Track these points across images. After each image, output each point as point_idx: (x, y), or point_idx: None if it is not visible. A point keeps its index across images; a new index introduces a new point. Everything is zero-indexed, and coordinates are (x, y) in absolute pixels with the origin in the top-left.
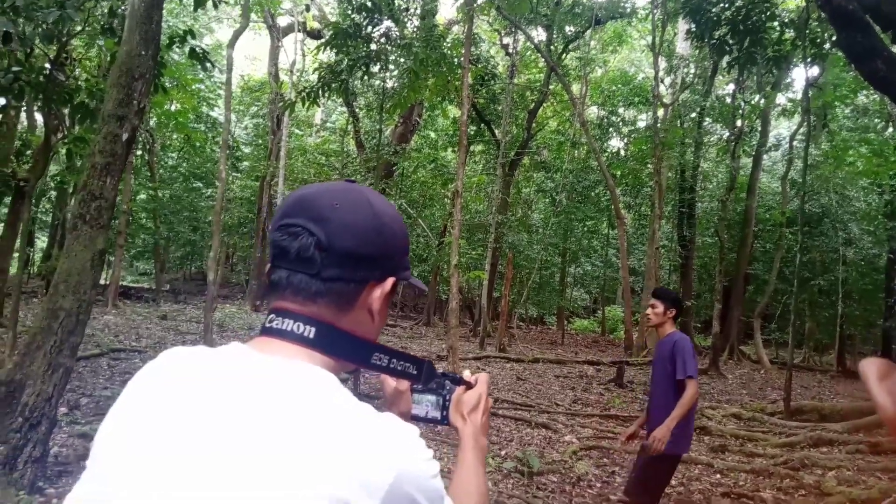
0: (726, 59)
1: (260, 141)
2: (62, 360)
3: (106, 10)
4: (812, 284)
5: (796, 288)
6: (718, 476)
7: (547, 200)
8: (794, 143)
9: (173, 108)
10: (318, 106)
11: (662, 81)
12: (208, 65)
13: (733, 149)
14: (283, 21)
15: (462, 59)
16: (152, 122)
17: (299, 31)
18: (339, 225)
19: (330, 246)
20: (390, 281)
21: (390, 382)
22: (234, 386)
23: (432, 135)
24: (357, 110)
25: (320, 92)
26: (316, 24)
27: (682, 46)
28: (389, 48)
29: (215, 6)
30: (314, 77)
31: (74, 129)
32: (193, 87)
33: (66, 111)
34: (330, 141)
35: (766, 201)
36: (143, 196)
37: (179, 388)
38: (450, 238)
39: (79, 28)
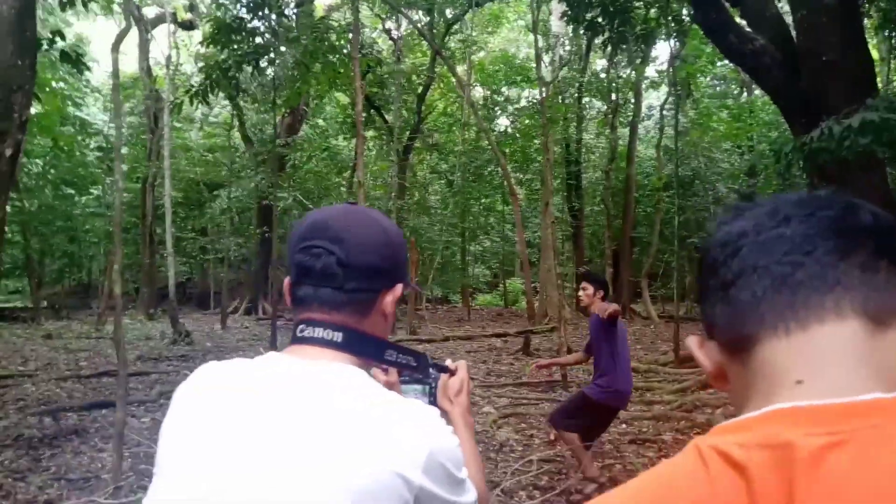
0: (600, 38)
1: (136, 141)
2: None
3: None
4: (689, 242)
5: (677, 247)
6: (624, 426)
7: (442, 182)
8: (664, 112)
9: (33, 110)
10: (208, 104)
11: (542, 60)
12: (83, 66)
13: (611, 121)
14: (150, 12)
15: (350, 47)
16: None
17: (170, 22)
18: (355, 244)
19: (349, 262)
20: (399, 287)
21: (381, 376)
22: (295, 388)
23: (321, 123)
24: (241, 103)
25: (208, 90)
26: (187, 15)
27: (557, 25)
28: (276, 41)
29: (85, 6)
30: (190, 70)
31: None
32: (54, 86)
33: None
34: (214, 136)
35: (643, 168)
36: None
37: (243, 396)
38: None
39: None
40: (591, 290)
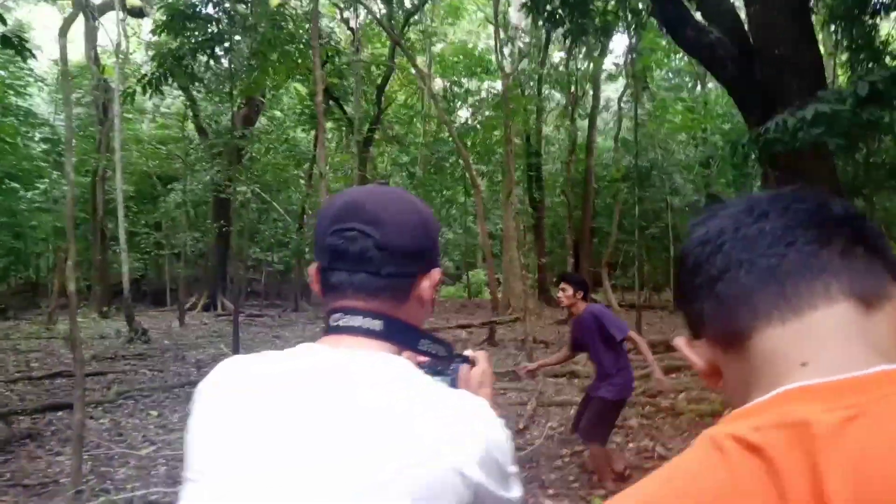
0: (560, 30)
1: (85, 133)
2: None
3: None
4: (648, 232)
5: (637, 237)
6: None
7: (404, 174)
8: (622, 104)
9: None
10: (162, 94)
11: (501, 52)
12: (26, 52)
13: (571, 113)
14: None
15: (309, 37)
16: None
17: (119, 9)
18: (392, 225)
19: (387, 245)
20: (437, 271)
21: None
22: (342, 383)
23: (279, 114)
24: (195, 94)
25: (162, 79)
26: (137, 2)
27: (516, 17)
28: (233, 29)
29: None
30: (140, 59)
31: None
32: None
33: None
34: (167, 127)
35: (602, 160)
36: None
37: (287, 394)
38: (314, 221)
39: None
40: (570, 290)
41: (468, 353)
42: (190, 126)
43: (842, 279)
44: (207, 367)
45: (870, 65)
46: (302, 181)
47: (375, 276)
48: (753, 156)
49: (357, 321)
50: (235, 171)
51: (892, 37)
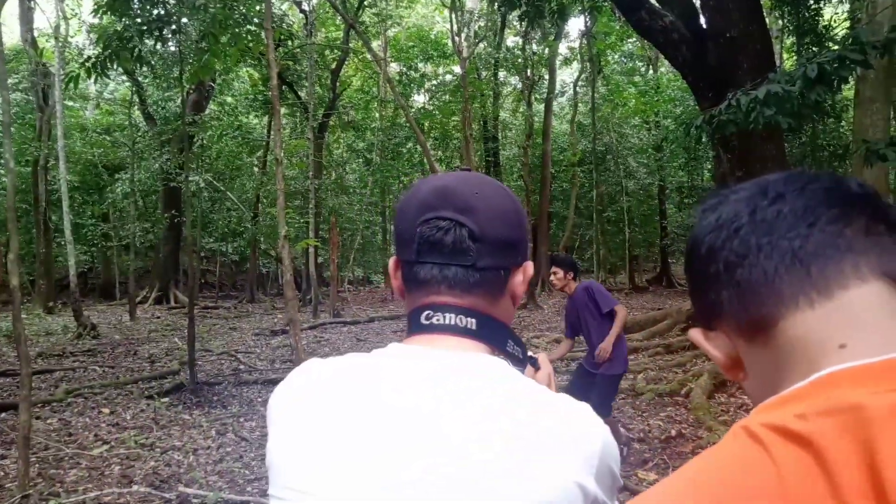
0: (516, 12)
1: (24, 121)
2: None
3: None
4: (604, 216)
5: (595, 220)
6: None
7: (360, 160)
8: (577, 88)
9: None
10: (108, 77)
11: (458, 35)
12: None
13: (527, 97)
14: None
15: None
16: None
17: None
18: (487, 213)
19: (483, 235)
20: (530, 265)
21: None
22: (446, 389)
23: (230, 100)
24: (141, 79)
25: (108, 62)
26: None
27: (472, 1)
28: (182, 9)
29: None
30: (81, 42)
31: None
32: None
33: None
34: (112, 114)
35: (558, 144)
36: None
37: (376, 397)
38: (270, 209)
39: None
40: (561, 273)
41: (530, 353)
42: (137, 113)
43: (870, 258)
44: (161, 361)
45: (814, 48)
46: (256, 168)
47: (471, 269)
48: (705, 138)
49: (451, 319)
50: (186, 159)
51: (835, 21)
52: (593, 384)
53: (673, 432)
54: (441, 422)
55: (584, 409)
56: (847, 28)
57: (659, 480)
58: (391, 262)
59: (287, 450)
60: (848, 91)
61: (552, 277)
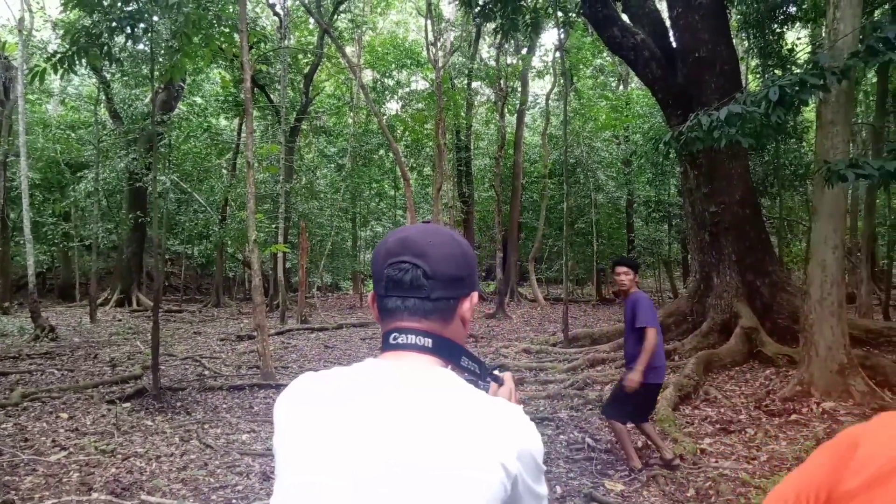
0: (492, 25)
1: None
2: None
3: None
4: (576, 227)
5: (565, 231)
6: (521, 406)
7: (332, 166)
8: (549, 101)
9: None
10: (75, 73)
11: (434, 45)
12: None
13: (500, 108)
14: None
15: (236, 20)
16: None
17: None
18: (437, 257)
19: (435, 274)
20: (475, 294)
21: None
22: (408, 392)
23: (199, 101)
24: (108, 76)
25: (75, 58)
26: None
27: (448, 10)
28: (154, 7)
29: None
30: (46, 36)
31: None
32: None
33: None
34: (77, 110)
35: (530, 156)
36: None
37: (360, 399)
38: (239, 213)
39: None
40: (632, 274)
41: (496, 372)
42: (103, 110)
43: None
44: (123, 365)
45: (777, 71)
46: (225, 171)
47: (425, 300)
48: (673, 154)
49: (412, 339)
50: (154, 159)
51: (797, 45)
52: (635, 392)
53: (639, 443)
54: (404, 418)
55: (513, 409)
56: (809, 52)
57: (625, 491)
58: (370, 296)
59: (297, 446)
60: (809, 112)
61: (621, 278)
